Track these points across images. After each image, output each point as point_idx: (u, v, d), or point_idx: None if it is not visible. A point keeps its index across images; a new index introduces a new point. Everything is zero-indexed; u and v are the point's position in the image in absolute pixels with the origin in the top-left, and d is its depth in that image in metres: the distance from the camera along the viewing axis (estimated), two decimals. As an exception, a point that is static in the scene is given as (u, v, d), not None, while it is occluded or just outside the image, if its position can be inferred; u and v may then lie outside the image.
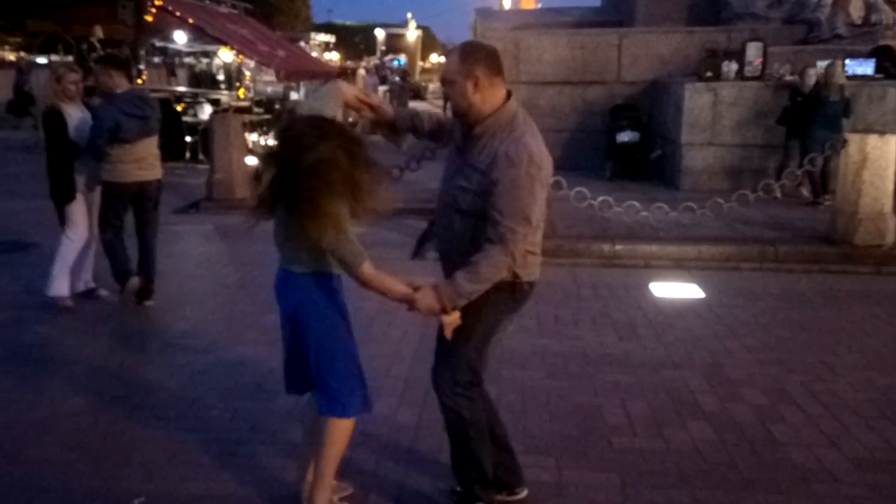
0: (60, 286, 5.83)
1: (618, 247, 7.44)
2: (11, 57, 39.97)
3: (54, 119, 5.60)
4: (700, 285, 6.54)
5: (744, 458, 3.67)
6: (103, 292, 6.13)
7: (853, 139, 7.40)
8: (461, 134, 2.97)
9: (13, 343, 5.12)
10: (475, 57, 2.84)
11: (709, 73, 10.40)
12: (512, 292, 2.93)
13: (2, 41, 35.89)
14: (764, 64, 10.37)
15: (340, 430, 3.02)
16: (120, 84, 5.72)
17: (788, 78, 10.15)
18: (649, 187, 10.22)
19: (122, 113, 5.59)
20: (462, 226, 2.88)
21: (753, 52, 10.39)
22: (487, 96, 2.82)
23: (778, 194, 9.06)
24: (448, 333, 2.85)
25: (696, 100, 10.20)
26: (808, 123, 9.09)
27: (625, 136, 11.21)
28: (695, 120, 10.23)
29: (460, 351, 2.97)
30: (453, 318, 2.83)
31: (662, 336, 5.34)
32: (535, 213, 2.75)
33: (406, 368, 4.62)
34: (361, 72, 25.23)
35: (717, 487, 3.43)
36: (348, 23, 78.57)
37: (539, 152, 2.77)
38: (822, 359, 4.94)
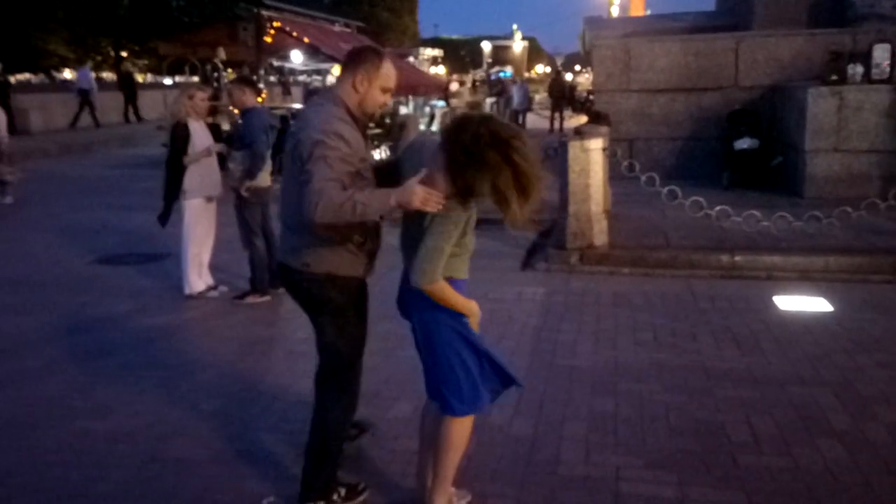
0: (195, 283, 6.59)
1: (737, 258, 7.17)
2: (140, 78, 42.34)
3: (182, 132, 6.27)
4: (827, 298, 6.24)
5: (879, 479, 3.48)
6: (223, 289, 6.74)
7: None
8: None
9: (151, 350, 5.46)
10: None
11: (833, 77, 9.90)
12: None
13: (132, 63, 38.27)
14: (892, 66, 9.82)
15: (456, 433, 3.07)
16: (252, 101, 6.45)
17: None
18: (770, 196, 9.82)
19: (268, 123, 6.40)
20: None
21: (881, 54, 9.82)
22: None
23: None
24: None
25: (820, 104, 9.74)
26: None
27: (743, 143, 10.81)
28: (819, 126, 9.78)
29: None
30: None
31: (788, 351, 5.13)
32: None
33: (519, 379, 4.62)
34: (454, 86, 24.93)
35: (852, 510, 3.28)
36: (454, 37, 79.91)
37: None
38: (965, 377, 4.63)
